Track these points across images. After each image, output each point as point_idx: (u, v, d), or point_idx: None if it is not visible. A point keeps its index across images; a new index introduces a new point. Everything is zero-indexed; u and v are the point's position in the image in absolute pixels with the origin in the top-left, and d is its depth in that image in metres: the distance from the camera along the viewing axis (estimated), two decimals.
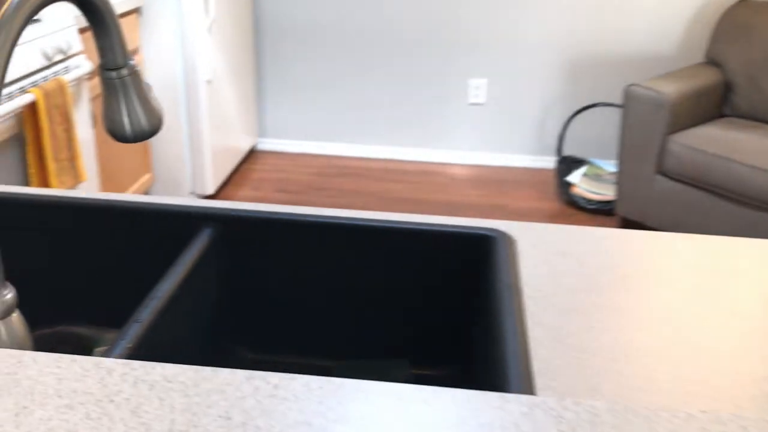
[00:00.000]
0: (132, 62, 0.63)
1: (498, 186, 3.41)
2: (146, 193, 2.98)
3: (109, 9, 0.59)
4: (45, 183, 1.98)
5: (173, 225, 0.95)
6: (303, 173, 3.48)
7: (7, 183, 1.88)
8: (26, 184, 1.96)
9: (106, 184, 2.54)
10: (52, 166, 1.96)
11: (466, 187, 3.39)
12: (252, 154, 3.65)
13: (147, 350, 0.76)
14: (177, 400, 0.42)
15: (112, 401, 0.42)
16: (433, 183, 3.42)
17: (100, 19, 0.59)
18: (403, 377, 0.98)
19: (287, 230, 0.95)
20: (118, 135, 0.65)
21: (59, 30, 2.09)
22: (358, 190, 3.32)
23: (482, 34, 3.43)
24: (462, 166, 3.62)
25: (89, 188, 2.29)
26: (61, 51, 2.09)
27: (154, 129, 0.66)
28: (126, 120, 0.64)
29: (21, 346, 0.52)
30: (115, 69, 0.62)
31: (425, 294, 0.97)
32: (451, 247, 0.94)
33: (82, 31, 2.29)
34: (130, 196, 0.97)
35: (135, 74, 0.63)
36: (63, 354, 0.46)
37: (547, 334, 0.74)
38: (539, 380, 0.67)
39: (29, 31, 1.96)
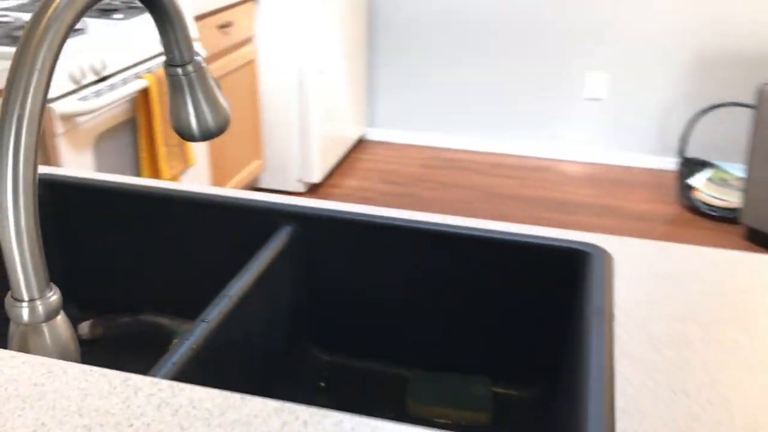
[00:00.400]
0: (198, 59, 0.61)
1: (613, 186, 3.24)
2: (255, 179, 3.04)
3: (172, 2, 0.56)
4: (155, 167, 2.04)
5: (254, 221, 0.94)
6: (410, 164, 3.44)
7: (119, 165, 1.95)
8: (137, 167, 2.03)
9: (216, 169, 2.60)
10: (161, 150, 2.02)
11: (578, 185, 3.25)
12: (360, 144, 3.66)
13: (213, 350, 0.75)
14: (198, 430, 0.39)
15: (131, 425, 0.39)
16: (544, 180, 3.30)
17: (163, 13, 0.56)
18: (483, 395, 0.92)
19: (367, 232, 0.91)
20: (184, 134, 0.63)
21: None
22: (464, 184, 3.25)
23: (603, 26, 3.26)
24: (575, 163, 3.47)
25: (198, 173, 2.35)
26: None
27: (220, 128, 0.63)
28: (192, 118, 0.62)
29: (64, 349, 0.51)
30: (181, 66, 0.60)
31: (512, 308, 0.91)
32: (541, 261, 0.87)
33: (197, 18, 2.34)
34: (213, 189, 0.97)
35: (201, 71, 0.61)
36: (95, 367, 0.44)
37: (636, 367, 0.66)
38: (623, 422, 0.60)
39: (148, 19, 2.02)
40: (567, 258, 0.86)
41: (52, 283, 0.51)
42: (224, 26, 2.53)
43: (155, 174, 2.05)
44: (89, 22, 1.93)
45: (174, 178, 2.14)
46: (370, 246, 0.92)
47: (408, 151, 3.60)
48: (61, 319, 0.51)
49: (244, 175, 2.84)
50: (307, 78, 2.85)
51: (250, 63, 2.79)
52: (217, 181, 2.62)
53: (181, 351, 0.69)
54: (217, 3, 2.45)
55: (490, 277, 0.89)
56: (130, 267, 1.02)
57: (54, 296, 0.50)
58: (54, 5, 0.46)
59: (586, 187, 3.22)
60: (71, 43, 1.74)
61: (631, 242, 0.88)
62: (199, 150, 2.35)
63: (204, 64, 0.61)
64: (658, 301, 0.76)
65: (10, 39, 1.72)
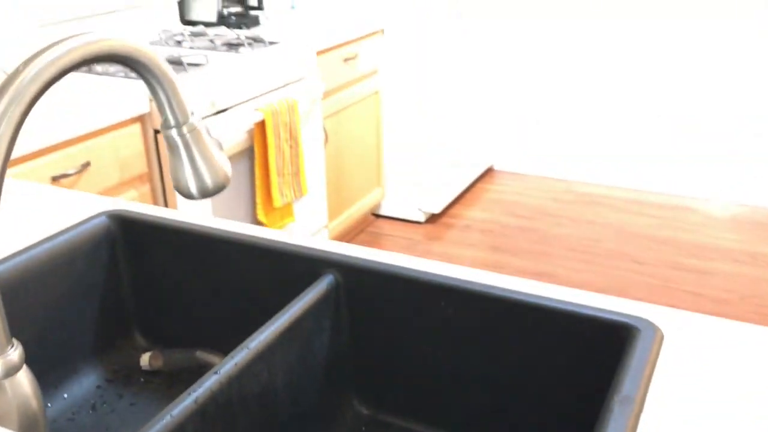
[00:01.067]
0: (193, 119, 0.61)
1: (763, 230, 2.95)
2: (375, 206, 3.07)
3: (160, 68, 0.57)
4: (268, 195, 2.11)
5: (299, 267, 0.94)
6: (538, 197, 3.34)
7: (235, 194, 2.04)
8: (253, 194, 2.11)
9: (334, 197, 2.65)
10: (275, 179, 2.09)
11: (722, 228, 2.99)
12: (489, 173, 3.60)
13: (223, 404, 0.75)
14: None
15: None
16: (683, 220, 3.07)
17: (154, 78, 0.57)
18: None
19: (411, 287, 0.88)
20: (183, 193, 0.63)
21: (296, 52, 2.23)
22: (594, 220, 3.09)
23: (716, 52, 3.00)
24: (722, 203, 3.21)
25: (313, 202, 2.41)
26: (297, 72, 2.22)
27: (218, 187, 0.64)
28: (190, 178, 0.62)
29: (27, 405, 0.52)
30: (176, 127, 0.60)
31: (563, 379, 0.84)
32: (590, 332, 0.80)
33: (321, 53, 2.41)
34: (263, 231, 0.98)
35: (196, 132, 0.61)
36: None
37: None
38: None
39: (270, 54, 2.11)
40: (613, 332, 0.78)
41: (14, 339, 0.52)
42: (349, 59, 2.58)
43: (268, 202, 2.12)
44: (213, 57, 2.04)
45: (287, 206, 2.20)
46: (414, 302, 0.89)
47: (538, 182, 3.49)
48: (23, 374, 0.53)
49: (364, 202, 2.88)
50: (430, 107, 2.85)
51: (374, 93, 2.83)
52: (334, 208, 2.67)
53: (183, 404, 0.70)
54: (343, 37, 2.51)
55: (540, 345, 0.83)
56: (191, 303, 1.05)
57: (15, 352, 0.52)
58: (18, 81, 0.48)
59: (730, 231, 2.96)
60: (190, 77, 1.85)
61: (696, 319, 0.79)
62: (315, 179, 2.40)
63: (199, 124, 0.62)
64: (707, 396, 0.67)
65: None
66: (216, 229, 0.99)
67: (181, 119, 0.60)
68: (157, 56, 0.57)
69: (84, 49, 0.52)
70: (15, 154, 1.42)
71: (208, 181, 0.63)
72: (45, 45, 0.51)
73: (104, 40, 0.53)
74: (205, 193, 0.63)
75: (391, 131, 2.95)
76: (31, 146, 1.47)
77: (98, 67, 1.90)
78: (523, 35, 3.40)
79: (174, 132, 0.61)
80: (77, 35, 0.52)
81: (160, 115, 0.60)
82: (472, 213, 3.18)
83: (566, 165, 3.52)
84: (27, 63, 0.49)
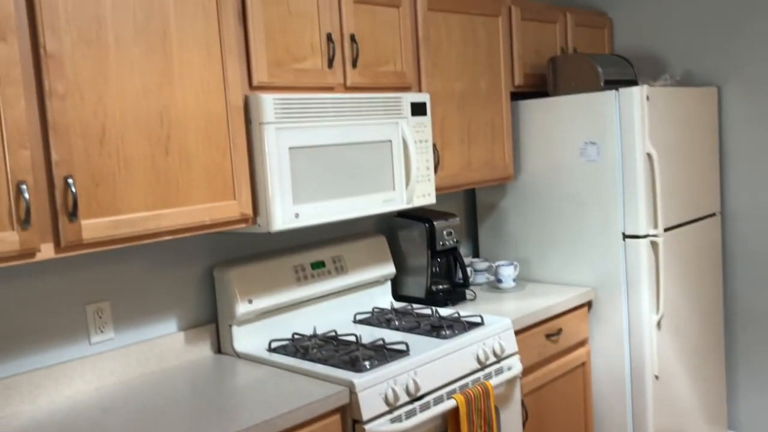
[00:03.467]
0: None
1: None
2: None
3: None
4: None
5: None
6: None
7: None
8: None
9: None
10: None
11: None
12: None
13: None
14: None
15: None
16: None
17: None
18: None
19: None
20: None
21: (496, 333, 2.29)
22: None
23: None
24: None
25: None
26: (495, 354, 2.27)
27: None
28: None
29: None
30: None
31: None
32: None
33: (520, 331, 2.46)
34: None
35: None
36: None
37: None
38: None
39: (468, 338, 2.19)
40: None
41: None
42: (552, 334, 2.59)
43: None
44: (414, 341, 2.17)
45: None
46: None
47: None
48: None
49: None
50: (641, 382, 2.71)
51: (582, 365, 2.77)
52: None
53: None
54: (546, 313, 2.54)
55: None
56: None
57: None
58: None
59: None
60: (390, 366, 1.97)
61: None
62: None
63: None
64: None
65: (347, 360, 2.02)
66: None
67: None
68: None
69: None
70: None
71: None
72: None
73: None
74: None
75: (600, 405, 2.82)
76: None
77: (306, 365, 2.10)
78: (752, 297, 3.18)
79: None
80: None
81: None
82: None
83: None
84: None
